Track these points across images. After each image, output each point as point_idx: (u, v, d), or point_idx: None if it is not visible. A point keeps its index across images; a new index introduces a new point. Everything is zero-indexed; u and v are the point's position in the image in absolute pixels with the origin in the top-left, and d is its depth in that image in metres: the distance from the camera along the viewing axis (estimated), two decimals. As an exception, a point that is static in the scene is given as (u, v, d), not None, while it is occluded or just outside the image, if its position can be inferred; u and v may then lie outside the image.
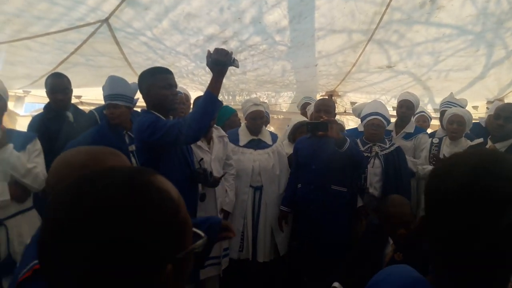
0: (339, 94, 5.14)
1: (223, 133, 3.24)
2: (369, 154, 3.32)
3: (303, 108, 4.50)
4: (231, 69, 4.22)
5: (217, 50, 2.12)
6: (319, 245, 3.04)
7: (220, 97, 5.15)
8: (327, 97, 4.48)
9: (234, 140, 3.35)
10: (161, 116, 2.28)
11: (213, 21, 3.43)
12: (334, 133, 2.90)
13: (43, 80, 4.16)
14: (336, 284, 2.55)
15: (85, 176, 0.61)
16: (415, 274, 0.82)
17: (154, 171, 0.64)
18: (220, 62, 2.11)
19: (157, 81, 2.29)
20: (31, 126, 3.10)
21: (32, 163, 2.52)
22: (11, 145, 2.39)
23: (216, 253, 3.07)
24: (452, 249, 0.72)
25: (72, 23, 3.09)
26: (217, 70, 2.14)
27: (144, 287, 0.56)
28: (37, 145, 2.63)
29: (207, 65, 2.17)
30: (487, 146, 2.84)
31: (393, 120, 3.83)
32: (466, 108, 3.93)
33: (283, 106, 5.42)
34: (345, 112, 5.34)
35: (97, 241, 0.53)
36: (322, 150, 3.08)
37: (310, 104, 4.40)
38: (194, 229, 0.69)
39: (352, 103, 5.21)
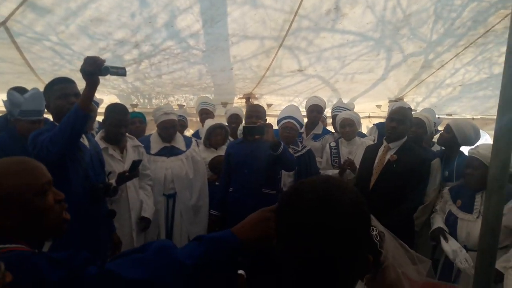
0: (256, 96, 5.28)
1: (138, 142, 3.18)
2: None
3: (201, 114, 4.49)
4: (145, 72, 4.22)
5: (86, 59, 1.96)
6: None
7: (135, 101, 5.08)
8: (257, 104, 4.56)
9: (146, 148, 3.29)
10: None
11: (123, 25, 3.34)
12: (270, 137, 3.01)
13: None
14: (241, 271, 2.65)
15: None
16: None
17: None
18: (87, 72, 1.95)
19: (54, 92, 2.20)
20: None
21: None
22: None
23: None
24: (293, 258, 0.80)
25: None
26: (87, 80, 1.98)
27: None
28: None
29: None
30: (383, 146, 3.13)
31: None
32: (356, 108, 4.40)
33: (202, 109, 5.43)
34: (262, 113, 5.50)
35: None
36: (254, 154, 3.17)
37: (207, 109, 4.46)
38: None
39: (269, 105, 5.40)
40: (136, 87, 4.64)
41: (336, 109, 4.33)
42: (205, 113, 4.48)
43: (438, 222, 2.82)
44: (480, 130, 3.36)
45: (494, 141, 1.16)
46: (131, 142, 3.13)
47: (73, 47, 3.52)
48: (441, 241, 2.67)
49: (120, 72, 2.01)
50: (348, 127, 3.74)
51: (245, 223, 1.05)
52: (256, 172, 3.15)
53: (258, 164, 3.14)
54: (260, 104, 5.38)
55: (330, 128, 4.87)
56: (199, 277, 0.97)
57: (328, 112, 4.95)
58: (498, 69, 4.75)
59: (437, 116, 5.45)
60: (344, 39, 4.14)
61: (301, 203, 0.80)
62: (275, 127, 3.56)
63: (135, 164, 2.77)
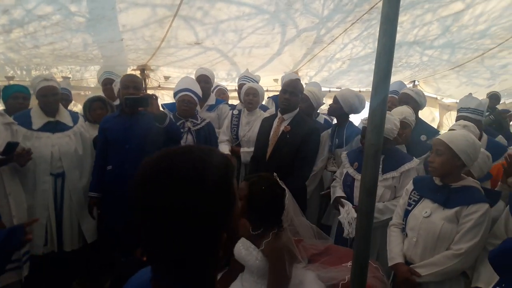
0: (152, 68, 5.02)
1: (9, 119, 2.80)
2: (182, 130, 3.39)
3: (105, 84, 4.23)
4: (18, 42, 3.71)
5: None
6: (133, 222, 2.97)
7: (11, 72, 4.50)
8: (133, 73, 4.29)
9: (26, 123, 2.94)
10: None
11: (-16, -16, 2.86)
12: (155, 108, 2.86)
13: None
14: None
15: None
16: (145, 277, 0.85)
17: None
18: None
19: None
20: None
21: None
22: None
23: (15, 256, 2.72)
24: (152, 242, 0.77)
25: None
26: None
27: None
28: None
29: None
30: (277, 117, 3.22)
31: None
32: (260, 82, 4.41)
33: (91, 81, 4.98)
34: (159, 86, 5.28)
35: None
36: (135, 128, 2.97)
37: (111, 79, 4.19)
38: None
39: (166, 77, 5.20)
40: (10, 58, 4.06)
41: (243, 78, 4.37)
42: (109, 84, 4.14)
43: (337, 191, 3.04)
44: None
45: (369, 109, 1.22)
46: (2, 119, 2.75)
47: None
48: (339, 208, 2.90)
49: None
50: (252, 95, 3.78)
51: None
52: (139, 146, 2.94)
53: (141, 137, 2.94)
54: (156, 75, 5.18)
55: (232, 101, 4.88)
56: None
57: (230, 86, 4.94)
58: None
59: (328, 89, 5.80)
60: (240, 11, 4.08)
61: (145, 182, 0.76)
62: (172, 100, 3.42)
63: (11, 147, 2.45)
